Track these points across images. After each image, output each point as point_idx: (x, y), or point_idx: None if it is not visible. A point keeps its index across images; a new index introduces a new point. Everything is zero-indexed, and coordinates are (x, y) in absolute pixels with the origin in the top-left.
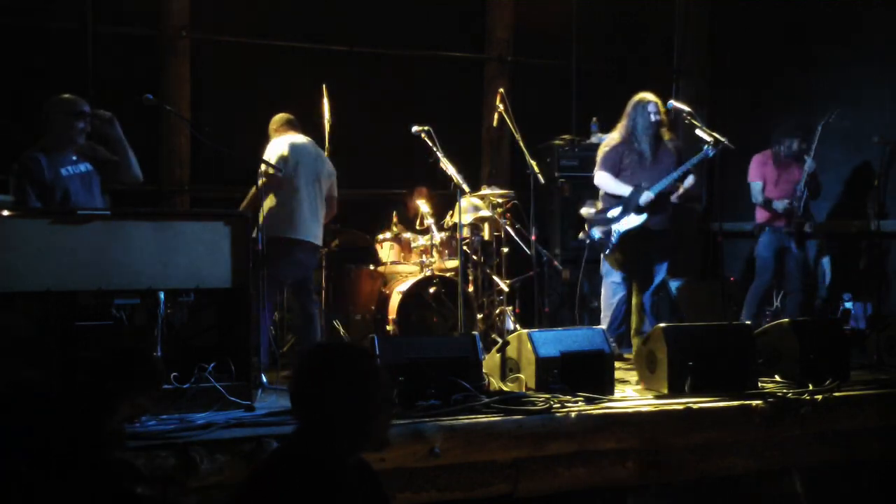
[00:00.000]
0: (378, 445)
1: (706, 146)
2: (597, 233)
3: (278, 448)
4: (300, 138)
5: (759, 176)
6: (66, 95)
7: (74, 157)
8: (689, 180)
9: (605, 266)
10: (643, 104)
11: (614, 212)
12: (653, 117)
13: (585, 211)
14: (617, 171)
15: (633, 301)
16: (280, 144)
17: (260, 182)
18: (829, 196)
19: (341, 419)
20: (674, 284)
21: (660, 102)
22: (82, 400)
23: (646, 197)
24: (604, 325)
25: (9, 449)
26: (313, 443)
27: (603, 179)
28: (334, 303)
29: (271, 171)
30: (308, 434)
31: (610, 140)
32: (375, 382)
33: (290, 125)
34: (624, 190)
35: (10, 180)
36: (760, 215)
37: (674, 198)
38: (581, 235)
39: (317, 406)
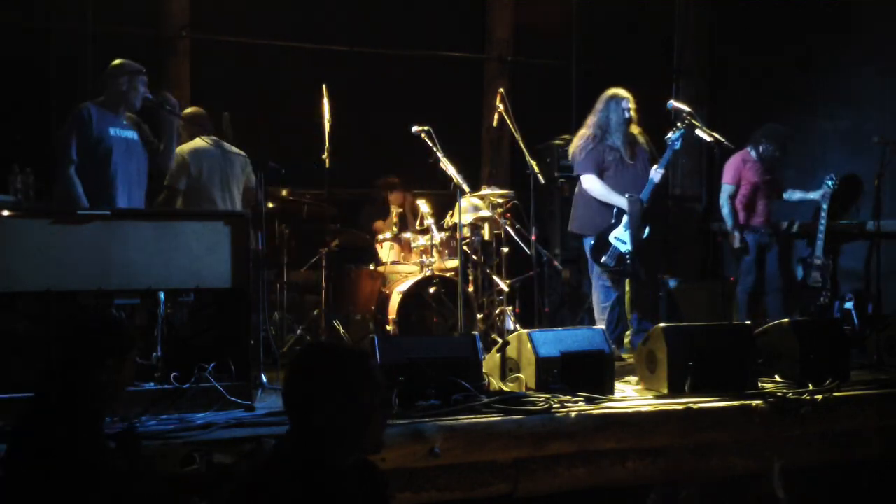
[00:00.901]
0: (374, 448)
1: (670, 140)
2: (610, 260)
3: (273, 449)
4: (202, 142)
5: (734, 178)
6: (126, 60)
7: (125, 122)
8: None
9: (594, 270)
10: (617, 100)
11: (618, 234)
12: (626, 114)
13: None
14: (601, 172)
15: (627, 301)
16: (180, 155)
17: (161, 196)
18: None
19: (335, 421)
20: (671, 283)
21: (632, 98)
22: (84, 388)
23: (642, 209)
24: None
25: (15, 450)
26: (308, 445)
27: (593, 184)
28: (334, 303)
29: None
30: (302, 436)
31: (584, 138)
32: (370, 384)
33: (195, 123)
34: (618, 200)
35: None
36: (740, 216)
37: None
38: (600, 270)
39: (310, 408)
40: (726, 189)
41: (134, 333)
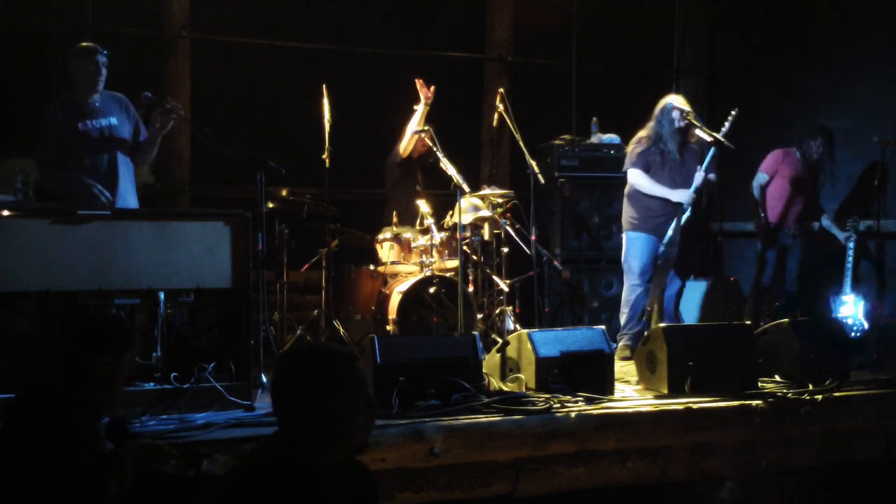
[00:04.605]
0: (358, 448)
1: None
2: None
3: (258, 449)
4: None
5: (770, 169)
6: (80, 45)
7: (97, 109)
8: (711, 177)
9: (625, 266)
10: (667, 110)
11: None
12: (677, 123)
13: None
14: (648, 169)
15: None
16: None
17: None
18: (828, 196)
19: (316, 421)
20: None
21: (684, 106)
22: (84, 385)
23: (689, 197)
24: (622, 321)
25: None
26: (290, 444)
27: (638, 178)
28: (334, 303)
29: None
30: (286, 435)
31: (638, 139)
32: (352, 384)
33: None
34: (663, 191)
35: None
36: (767, 212)
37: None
38: (637, 273)
39: (292, 408)
40: (759, 178)
41: (133, 332)
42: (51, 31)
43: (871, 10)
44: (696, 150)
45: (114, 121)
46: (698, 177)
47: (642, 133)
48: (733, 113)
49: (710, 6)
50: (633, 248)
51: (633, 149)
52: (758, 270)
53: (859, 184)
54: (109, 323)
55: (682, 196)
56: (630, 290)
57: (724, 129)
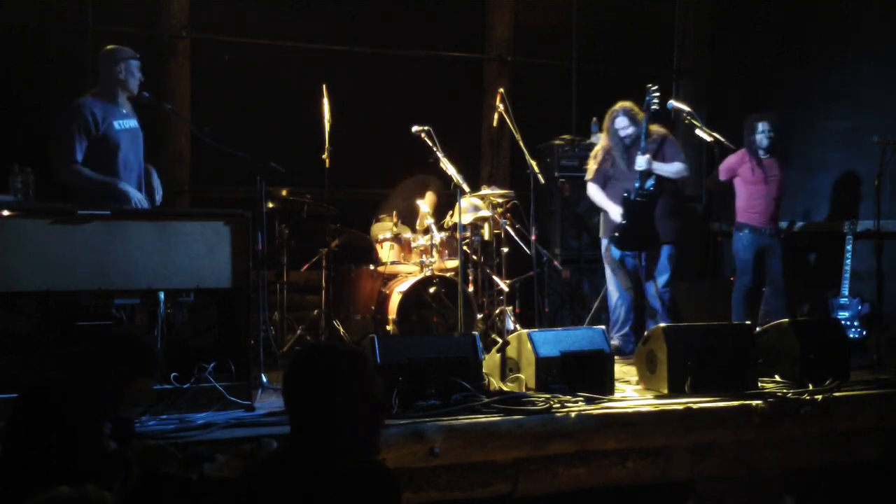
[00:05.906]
0: (369, 450)
1: (648, 96)
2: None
3: (275, 449)
4: None
5: (723, 173)
6: (117, 46)
7: (125, 111)
8: (642, 163)
9: (606, 269)
10: (612, 118)
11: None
12: (621, 132)
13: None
14: (605, 182)
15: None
16: None
17: None
18: (828, 196)
19: (319, 421)
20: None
21: (632, 112)
22: (88, 387)
23: (618, 212)
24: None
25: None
26: (302, 445)
27: (590, 191)
28: (334, 303)
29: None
30: (298, 436)
31: (595, 153)
32: (355, 384)
33: None
34: (606, 205)
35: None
36: (739, 215)
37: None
38: (612, 269)
39: (303, 408)
40: (712, 178)
41: (156, 365)
42: (51, 30)
43: (871, 10)
44: (654, 148)
45: (136, 123)
46: (639, 161)
47: (598, 147)
48: (650, 87)
49: (710, 6)
50: (606, 253)
51: (590, 164)
52: (737, 276)
53: (857, 184)
54: (139, 344)
55: (616, 211)
56: (609, 294)
57: (652, 107)
